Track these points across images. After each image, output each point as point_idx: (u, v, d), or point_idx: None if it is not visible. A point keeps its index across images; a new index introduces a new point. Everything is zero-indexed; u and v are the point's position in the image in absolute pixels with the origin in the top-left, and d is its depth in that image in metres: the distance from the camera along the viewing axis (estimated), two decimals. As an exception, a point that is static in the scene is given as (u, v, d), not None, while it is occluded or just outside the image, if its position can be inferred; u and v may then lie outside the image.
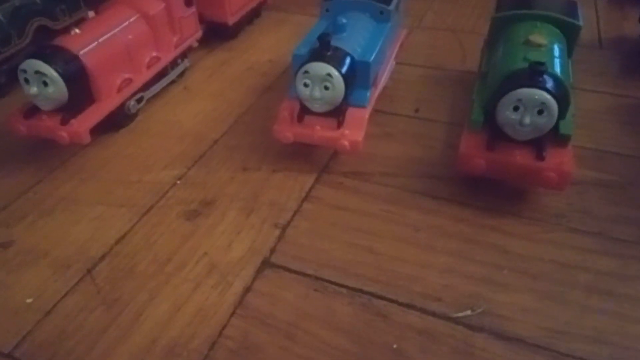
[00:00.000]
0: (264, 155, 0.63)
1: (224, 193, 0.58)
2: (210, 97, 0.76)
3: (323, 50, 0.56)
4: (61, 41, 0.61)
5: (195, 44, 0.82)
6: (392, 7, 0.66)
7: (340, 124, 0.58)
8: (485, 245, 0.50)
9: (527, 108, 0.49)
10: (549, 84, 0.49)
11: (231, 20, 0.88)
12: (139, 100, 0.70)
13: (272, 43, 0.90)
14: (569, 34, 0.61)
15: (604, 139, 0.64)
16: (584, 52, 0.81)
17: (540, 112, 0.49)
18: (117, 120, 0.67)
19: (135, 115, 0.70)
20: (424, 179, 0.59)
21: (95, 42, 0.63)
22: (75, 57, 0.60)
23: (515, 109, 0.50)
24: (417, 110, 0.71)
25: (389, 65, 0.72)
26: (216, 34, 0.89)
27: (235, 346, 0.42)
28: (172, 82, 0.78)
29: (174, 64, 0.77)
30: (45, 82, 0.58)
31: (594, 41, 0.87)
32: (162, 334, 0.43)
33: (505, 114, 0.51)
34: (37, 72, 0.57)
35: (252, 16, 0.96)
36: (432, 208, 0.55)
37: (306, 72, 0.55)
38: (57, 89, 0.58)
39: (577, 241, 0.51)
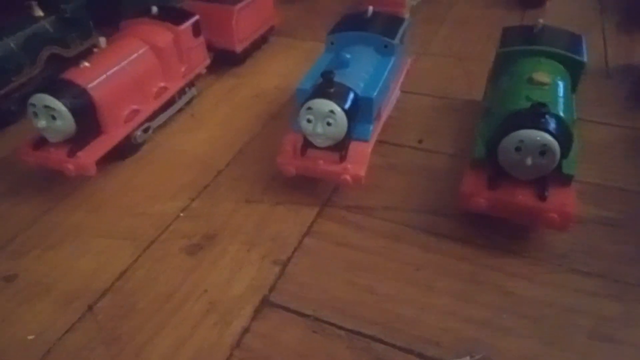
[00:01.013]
0: (267, 187, 0.64)
1: (226, 226, 0.58)
2: (216, 125, 0.77)
3: (326, 86, 0.57)
4: (70, 75, 0.62)
5: (204, 71, 0.83)
6: (396, 40, 0.67)
7: (342, 158, 0.58)
8: (486, 286, 0.50)
9: (529, 149, 0.49)
10: (551, 125, 0.49)
11: (239, 48, 0.89)
12: (145, 130, 0.71)
13: (279, 69, 0.91)
14: (574, 70, 0.61)
15: (610, 174, 0.64)
16: (591, 82, 0.80)
17: (542, 154, 0.49)
18: (124, 150, 0.68)
19: (141, 145, 0.71)
20: (426, 214, 0.59)
21: (104, 75, 0.64)
22: (84, 91, 0.61)
23: (517, 149, 0.50)
24: (420, 142, 0.71)
25: (394, 95, 0.73)
26: (224, 60, 0.90)
27: (232, 389, 0.42)
28: (180, 109, 0.79)
29: (181, 92, 0.78)
30: (53, 116, 0.59)
31: (601, 69, 0.86)
32: (160, 376, 0.43)
33: (507, 154, 0.50)
34: (45, 106, 0.58)
35: (260, 42, 0.97)
36: (433, 246, 0.55)
37: (309, 108, 0.56)
38: (65, 122, 0.59)
39: (580, 283, 0.50)
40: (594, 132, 0.70)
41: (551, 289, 0.50)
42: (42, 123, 0.59)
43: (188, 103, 0.80)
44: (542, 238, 0.55)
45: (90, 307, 0.49)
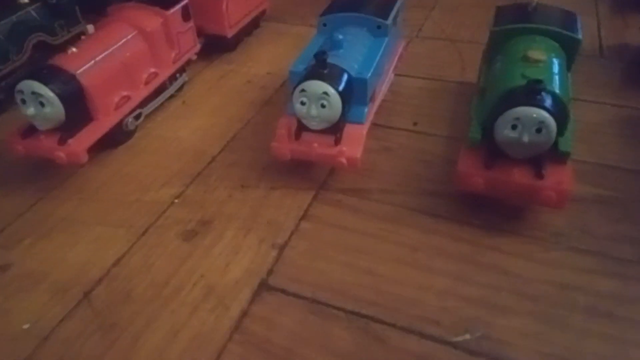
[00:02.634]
0: (262, 172, 0.63)
1: (221, 212, 0.58)
2: (209, 112, 0.76)
3: (319, 68, 0.56)
4: (58, 60, 0.61)
5: (194, 57, 0.82)
6: (389, 21, 0.66)
7: (337, 141, 0.58)
8: (484, 266, 0.50)
9: (525, 127, 0.49)
10: (547, 102, 0.49)
11: (230, 33, 0.88)
12: (137, 117, 0.70)
13: (271, 55, 0.90)
14: (569, 48, 0.60)
15: (605, 153, 0.64)
16: (585, 62, 0.80)
17: (538, 131, 0.49)
18: (115, 138, 0.67)
19: (133, 132, 0.70)
20: (423, 196, 0.58)
21: (93, 61, 0.63)
22: (72, 77, 0.60)
23: (513, 127, 0.49)
24: (415, 124, 0.70)
25: (388, 78, 0.72)
26: (215, 46, 0.89)
27: (232, 373, 0.42)
28: (171, 96, 0.78)
29: (172, 78, 0.77)
30: (42, 103, 0.58)
31: (595, 50, 0.86)
32: (158, 362, 0.43)
33: (503, 132, 0.50)
34: (33, 92, 0.57)
35: (251, 27, 0.96)
36: (431, 227, 0.54)
37: (303, 90, 0.55)
38: (54, 109, 0.58)
39: (577, 261, 0.50)
40: (588, 112, 0.70)
41: (548, 267, 0.50)
42: (30, 110, 0.58)
43: (179, 90, 0.79)
44: (539, 217, 0.55)
45: (86, 295, 0.49)
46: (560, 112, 0.49)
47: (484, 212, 0.56)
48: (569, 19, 0.64)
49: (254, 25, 0.97)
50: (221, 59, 0.90)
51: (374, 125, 0.67)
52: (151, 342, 0.45)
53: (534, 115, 0.48)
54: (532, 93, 0.49)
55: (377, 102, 0.66)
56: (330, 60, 0.56)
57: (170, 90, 0.77)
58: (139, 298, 0.48)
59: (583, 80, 0.75)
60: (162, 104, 0.76)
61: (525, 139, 0.49)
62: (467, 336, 0.44)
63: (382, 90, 0.68)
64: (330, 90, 0.54)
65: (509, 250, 0.51)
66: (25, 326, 0.46)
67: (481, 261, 0.50)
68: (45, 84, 0.57)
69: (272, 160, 0.62)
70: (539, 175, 0.51)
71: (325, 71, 0.55)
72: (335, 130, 0.58)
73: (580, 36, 0.61)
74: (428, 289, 0.48)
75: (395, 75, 0.77)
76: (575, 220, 0.54)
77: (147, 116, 0.73)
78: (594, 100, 0.74)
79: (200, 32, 0.83)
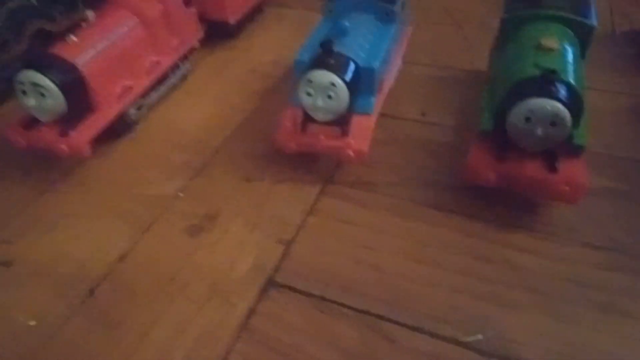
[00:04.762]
0: (267, 165, 0.62)
1: (227, 206, 0.57)
2: (212, 101, 0.74)
3: (326, 57, 0.54)
4: (58, 49, 0.59)
5: (197, 45, 0.80)
6: (397, 7, 0.64)
7: (345, 133, 0.56)
8: (495, 262, 0.49)
9: (539, 119, 0.47)
10: (562, 93, 0.47)
11: (232, 19, 0.86)
12: (139, 108, 0.68)
13: (275, 42, 0.88)
14: (583, 35, 0.58)
15: (618, 144, 0.62)
16: (596, 48, 0.77)
17: (553, 124, 0.47)
18: (118, 129, 0.66)
19: (136, 123, 0.69)
20: (431, 189, 0.57)
21: (93, 50, 0.61)
22: (73, 67, 0.58)
23: (527, 119, 0.48)
24: (423, 114, 0.69)
25: (395, 65, 0.70)
26: (217, 32, 0.87)
27: (239, 372, 0.42)
28: (174, 85, 0.76)
29: (175, 67, 0.75)
30: (42, 94, 0.56)
31: (607, 35, 0.84)
32: (165, 360, 0.42)
33: (516, 124, 0.49)
34: (34, 83, 0.56)
35: (254, 13, 0.94)
36: (440, 221, 0.53)
37: (309, 80, 0.53)
38: (55, 100, 0.57)
39: (590, 257, 0.49)
40: (601, 100, 0.69)
41: (562, 263, 0.49)
42: (31, 102, 0.56)
43: (182, 78, 0.78)
44: (550, 211, 0.54)
45: (91, 291, 0.48)
46: (575, 104, 0.48)
47: (494, 206, 0.54)
48: (582, 5, 0.62)
49: (257, 10, 0.94)
50: (224, 46, 0.88)
51: (381, 115, 0.65)
52: (157, 339, 0.44)
53: (549, 108, 0.47)
54: (546, 84, 0.47)
55: (385, 91, 0.64)
56: (336, 48, 0.55)
57: (173, 79, 0.75)
58: (144, 294, 0.48)
59: (594, 67, 0.72)
60: (165, 94, 0.74)
61: (539, 131, 0.47)
62: (479, 336, 0.43)
63: (389, 79, 0.67)
64: (337, 80, 0.53)
65: (520, 246, 0.50)
66: (32, 323, 0.46)
67: (492, 257, 0.49)
68: (46, 74, 0.55)
69: (276, 152, 0.61)
70: (553, 169, 0.49)
71: (332, 61, 0.54)
72: (342, 121, 0.56)
73: (595, 23, 0.59)
74: (438, 285, 0.47)
75: (403, 62, 0.75)
76: (588, 214, 0.53)
77: (150, 106, 0.71)
78: (606, 88, 0.72)
79: (201, 19, 0.81)
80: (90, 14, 0.66)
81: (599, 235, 0.51)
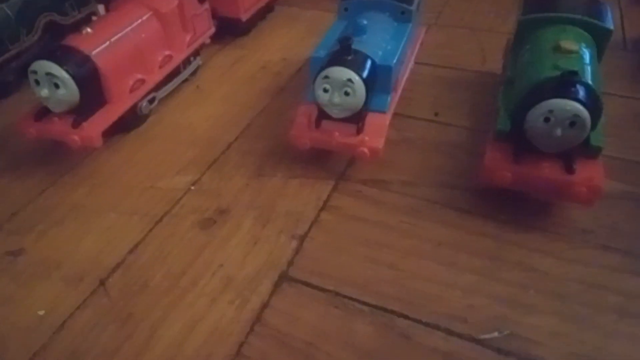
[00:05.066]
0: (279, 161, 0.61)
1: (239, 201, 0.56)
2: (222, 98, 0.74)
3: (344, 54, 0.54)
4: (73, 41, 0.59)
5: (208, 41, 0.80)
6: (413, 7, 0.64)
7: (359, 130, 0.56)
8: (510, 263, 0.49)
9: (559, 120, 0.47)
10: (582, 94, 0.47)
11: (244, 16, 0.86)
12: (151, 101, 0.68)
13: (286, 40, 0.88)
14: (599, 38, 0.58)
15: (631, 148, 0.62)
16: (608, 54, 0.77)
17: (572, 124, 0.47)
18: (129, 122, 0.66)
19: (147, 116, 0.68)
20: (445, 189, 0.57)
21: (108, 42, 0.61)
22: (87, 58, 0.58)
23: (546, 120, 0.48)
24: (436, 114, 0.68)
25: (409, 66, 0.70)
26: (228, 29, 0.87)
27: (253, 367, 0.41)
28: (185, 80, 0.76)
29: (186, 62, 0.75)
30: (56, 84, 0.56)
31: (619, 42, 0.84)
32: (177, 355, 0.42)
33: (535, 125, 0.48)
34: (48, 73, 0.55)
35: (265, 11, 0.94)
36: (454, 221, 0.53)
37: (326, 77, 0.53)
38: (69, 91, 0.56)
39: (606, 259, 0.49)
40: (612, 105, 0.68)
41: (577, 266, 0.48)
42: (44, 92, 0.56)
43: (193, 74, 0.77)
44: (566, 213, 0.53)
45: (101, 283, 0.48)
46: (594, 106, 0.48)
47: (508, 207, 0.54)
48: (598, 8, 0.62)
49: (268, 9, 0.94)
50: (235, 43, 0.87)
51: (394, 114, 0.65)
52: (169, 334, 0.43)
53: (568, 108, 0.47)
54: (566, 85, 0.47)
55: (399, 90, 0.64)
56: (353, 46, 0.54)
57: (184, 74, 0.75)
58: (155, 288, 0.47)
59: (607, 73, 0.72)
60: (175, 89, 0.74)
61: (558, 132, 0.47)
62: (496, 334, 0.42)
63: (403, 78, 0.66)
64: (355, 77, 0.52)
65: (535, 247, 0.50)
66: (41, 312, 0.45)
67: (507, 258, 0.49)
68: (60, 65, 0.55)
69: (288, 149, 0.61)
70: (570, 171, 0.49)
71: (350, 57, 0.54)
72: (357, 119, 0.56)
73: (611, 26, 0.59)
74: (453, 285, 0.47)
75: (415, 63, 0.75)
76: (603, 217, 0.53)
77: (161, 101, 0.71)
78: (619, 93, 0.72)
79: (213, 15, 0.80)
80: (100, 8, 0.66)
81: (614, 238, 0.51)
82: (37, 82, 0.56)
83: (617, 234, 0.51)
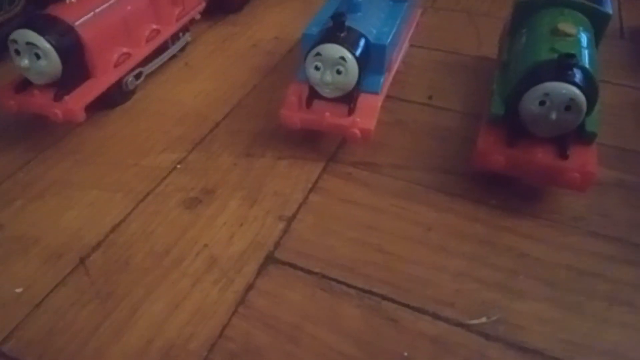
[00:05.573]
0: (268, 141, 0.60)
1: (226, 180, 0.55)
2: (212, 75, 0.72)
3: (337, 31, 0.52)
4: (55, 11, 0.57)
5: (198, 17, 0.78)
6: (410, -14, 0.62)
7: (351, 111, 0.55)
8: (500, 248, 0.48)
9: (554, 103, 0.46)
10: (579, 78, 0.46)
11: (236, -7, 0.83)
12: (137, 76, 0.66)
13: (278, 19, 0.86)
14: (597, 23, 0.57)
15: (625, 136, 0.61)
16: (605, 42, 0.76)
17: (567, 108, 0.46)
18: (114, 98, 0.64)
19: (132, 92, 0.66)
20: (437, 173, 0.56)
21: (92, 13, 0.59)
22: (71, 29, 0.56)
23: (541, 103, 0.47)
24: (430, 98, 0.67)
25: (403, 48, 0.68)
26: (219, 6, 0.85)
27: (236, 348, 0.40)
28: (173, 57, 0.74)
29: (175, 37, 0.72)
30: (37, 55, 0.54)
31: (616, 31, 0.83)
32: (158, 334, 0.41)
33: (530, 108, 0.47)
34: (28, 43, 0.53)
35: (258, -11, 0.91)
36: (445, 205, 0.52)
37: (318, 54, 0.52)
38: (51, 62, 0.54)
39: (597, 247, 0.48)
40: (610, 94, 0.67)
41: (567, 252, 0.48)
42: (24, 62, 0.54)
43: (182, 50, 0.75)
44: (558, 200, 0.53)
45: (81, 261, 0.46)
46: (591, 90, 0.47)
47: (500, 192, 0.53)
48: (597, -8, 0.61)
49: (261, -14, 0.92)
50: (226, 20, 0.85)
51: (387, 97, 0.63)
52: (150, 313, 0.42)
53: (564, 92, 0.45)
54: (563, 68, 0.46)
55: (393, 72, 0.63)
56: (347, 23, 0.53)
57: (172, 50, 0.73)
58: (137, 267, 0.46)
59: (603, 61, 0.71)
60: (163, 65, 0.72)
61: (553, 116, 0.46)
62: (484, 319, 0.42)
63: (397, 60, 0.65)
64: (348, 55, 0.51)
65: (526, 233, 0.49)
66: (18, 290, 0.44)
67: (497, 243, 0.48)
68: (42, 34, 0.53)
69: (278, 128, 0.59)
70: (564, 156, 0.48)
71: (343, 35, 0.52)
72: (348, 99, 0.55)
73: (610, 10, 0.57)
74: (442, 269, 0.46)
75: (410, 45, 0.73)
76: (595, 204, 0.52)
77: (147, 77, 0.69)
78: (615, 82, 0.71)
79: (204, -9, 0.78)
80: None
81: (605, 225, 0.50)
82: (18, 52, 0.54)
83: (609, 222, 0.51)
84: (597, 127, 0.49)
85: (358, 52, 0.52)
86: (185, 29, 0.74)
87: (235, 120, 0.64)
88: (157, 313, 0.42)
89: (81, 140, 0.60)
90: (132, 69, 0.64)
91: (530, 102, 0.47)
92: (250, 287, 0.44)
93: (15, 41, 0.53)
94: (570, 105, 0.46)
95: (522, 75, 0.49)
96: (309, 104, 0.56)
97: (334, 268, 0.46)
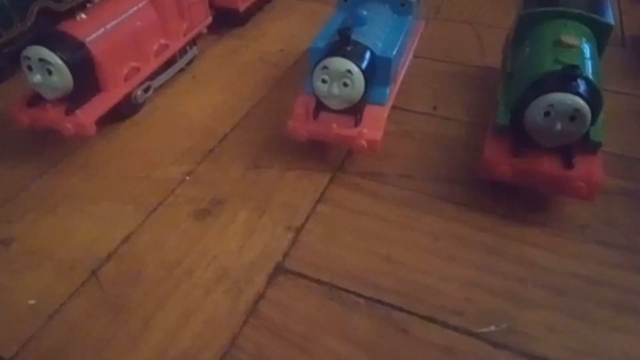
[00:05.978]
0: (276, 152, 0.61)
1: (235, 192, 0.56)
2: (219, 88, 0.73)
3: (343, 44, 0.53)
4: (67, 27, 0.58)
5: (205, 31, 0.79)
6: (414, -1, 0.63)
7: (357, 122, 0.55)
8: (508, 257, 0.48)
9: (559, 114, 0.47)
10: (583, 88, 0.47)
11: (242, 7, 0.85)
12: (146, 90, 0.67)
13: (283, 32, 0.87)
14: (600, 34, 0.58)
15: (629, 145, 0.62)
16: (606, 50, 0.77)
17: (572, 119, 0.47)
18: (123, 111, 0.65)
19: (141, 105, 0.67)
20: (443, 183, 0.56)
21: (103, 29, 0.60)
22: (82, 45, 0.57)
23: (546, 114, 0.47)
24: (435, 108, 0.68)
25: (408, 58, 0.69)
26: (226, 20, 0.86)
27: (247, 358, 0.40)
28: (181, 70, 0.75)
29: (182, 51, 0.74)
30: (49, 70, 0.55)
31: (617, 39, 0.84)
32: (171, 345, 0.41)
33: (535, 118, 0.48)
34: (41, 59, 0.54)
35: (263, 2, 0.93)
36: (452, 215, 0.52)
37: (325, 67, 0.52)
38: (62, 77, 0.55)
39: (604, 255, 0.49)
40: (614, 102, 0.68)
41: (574, 260, 0.48)
42: (37, 78, 0.55)
43: (189, 63, 0.76)
44: (563, 208, 0.53)
45: (94, 273, 0.47)
46: (595, 100, 0.47)
47: (506, 202, 0.54)
48: (599, 4, 0.61)
49: (265, 0, 0.93)
50: (232, 33, 0.86)
51: (392, 107, 0.64)
52: (163, 325, 0.43)
53: (569, 102, 0.46)
54: (567, 79, 0.47)
55: (398, 83, 0.64)
56: (353, 37, 0.54)
57: (180, 63, 0.74)
58: (149, 278, 0.47)
59: (605, 70, 0.72)
60: (171, 78, 0.73)
61: (558, 126, 0.47)
62: (492, 328, 0.42)
63: (402, 71, 0.66)
64: (354, 68, 0.52)
65: (533, 242, 0.50)
66: (31, 302, 0.44)
67: (505, 252, 0.49)
68: (54, 50, 0.54)
69: (285, 140, 0.60)
70: (569, 165, 0.49)
71: (349, 48, 0.53)
72: (355, 110, 0.55)
73: (612, 21, 0.58)
74: (451, 279, 0.46)
75: (414, 56, 0.74)
76: (601, 213, 0.53)
77: (156, 90, 0.70)
78: (616, 90, 0.71)
79: (210, 5, 0.79)
80: (95, -5, 0.65)
81: (612, 234, 0.51)
82: (30, 68, 0.55)
83: (615, 230, 0.51)
84: (602, 136, 0.50)
85: (364, 65, 0.53)
86: (192, 43, 0.76)
87: (243, 132, 0.65)
88: (169, 324, 0.43)
89: (92, 154, 0.61)
90: (142, 83, 0.65)
91: (535, 112, 0.48)
92: (260, 297, 0.45)
93: (28, 57, 0.55)
94: (574, 115, 0.46)
95: (527, 86, 0.50)
96: (315, 115, 0.57)
97: (343, 278, 0.46)
